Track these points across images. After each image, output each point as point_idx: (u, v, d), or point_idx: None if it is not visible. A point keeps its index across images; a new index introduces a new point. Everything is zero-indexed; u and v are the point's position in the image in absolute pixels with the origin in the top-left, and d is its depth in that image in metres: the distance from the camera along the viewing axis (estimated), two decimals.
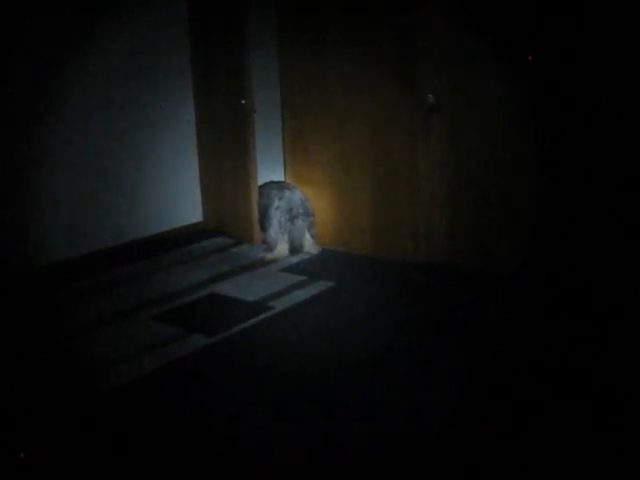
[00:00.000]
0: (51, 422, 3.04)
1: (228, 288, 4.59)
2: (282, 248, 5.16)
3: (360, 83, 4.93)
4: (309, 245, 5.25)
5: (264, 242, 5.32)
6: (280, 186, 5.39)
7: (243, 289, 4.56)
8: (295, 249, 5.23)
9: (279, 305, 4.27)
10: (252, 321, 4.05)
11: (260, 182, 5.49)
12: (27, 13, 4.61)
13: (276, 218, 5.17)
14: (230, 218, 5.73)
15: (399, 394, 3.18)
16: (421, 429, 2.90)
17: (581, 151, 4.15)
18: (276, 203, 5.20)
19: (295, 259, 5.12)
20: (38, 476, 2.70)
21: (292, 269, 4.92)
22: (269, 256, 5.12)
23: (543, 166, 4.32)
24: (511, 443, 2.76)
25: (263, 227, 5.34)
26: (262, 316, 4.11)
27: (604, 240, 4.11)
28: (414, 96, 4.66)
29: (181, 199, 5.81)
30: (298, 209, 5.20)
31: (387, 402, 3.11)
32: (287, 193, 5.24)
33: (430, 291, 4.45)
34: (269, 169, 5.64)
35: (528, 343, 3.63)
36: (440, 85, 4.56)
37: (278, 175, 5.67)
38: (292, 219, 5.18)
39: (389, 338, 3.77)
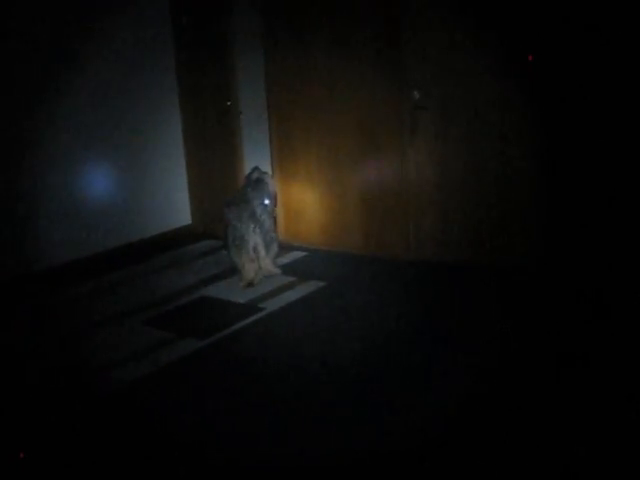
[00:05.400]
0: (42, 429, 3.04)
1: (218, 290, 4.59)
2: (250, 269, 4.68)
3: (346, 81, 4.93)
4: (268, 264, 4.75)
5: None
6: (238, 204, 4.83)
7: (233, 291, 4.55)
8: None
9: (270, 306, 4.27)
10: (243, 323, 4.05)
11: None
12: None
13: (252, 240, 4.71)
14: (219, 220, 5.71)
15: (396, 395, 3.17)
16: (418, 430, 2.89)
17: (575, 143, 4.14)
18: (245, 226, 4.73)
19: (285, 260, 5.10)
20: (36, 477, 2.72)
21: (282, 270, 4.91)
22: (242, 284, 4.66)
23: (535, 160, 4.31)
24: (513, 443, 2.74)
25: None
26: (253, 318, 4.11)
27: (597, 232, 4.09)
28: (400, 92, 4.67)
29: (170, 202, 5.79)
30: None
31: (384, 403, 3.10)
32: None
33: (421, 289, 4.44)
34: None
35: (524, 341, 3.59)
36: (425, 81, 4.57)
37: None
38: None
39: (384, 338, 3.76)
